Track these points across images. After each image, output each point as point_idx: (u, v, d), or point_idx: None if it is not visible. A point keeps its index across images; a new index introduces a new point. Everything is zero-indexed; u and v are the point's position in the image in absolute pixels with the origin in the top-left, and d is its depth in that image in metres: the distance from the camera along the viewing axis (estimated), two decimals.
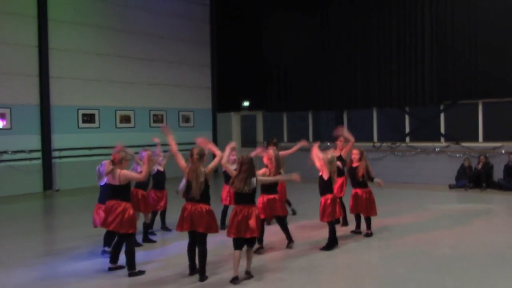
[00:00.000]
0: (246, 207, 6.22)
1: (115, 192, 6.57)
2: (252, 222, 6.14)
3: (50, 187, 15.29)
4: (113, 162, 6.54)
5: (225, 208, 9.23)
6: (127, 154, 6.70)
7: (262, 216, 7.08)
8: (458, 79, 14.63)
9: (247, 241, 6.23)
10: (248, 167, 6.23)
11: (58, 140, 15.50)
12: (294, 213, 10.32)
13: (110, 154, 6.66)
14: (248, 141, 20.24)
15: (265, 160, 7.50)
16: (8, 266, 7.08)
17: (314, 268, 6.69)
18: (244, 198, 6.27)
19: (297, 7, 17.97)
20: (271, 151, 7.75)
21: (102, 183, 7.23)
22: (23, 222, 10.63)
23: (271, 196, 7.49)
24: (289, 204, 10.15)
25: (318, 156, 7.49)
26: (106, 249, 7.34)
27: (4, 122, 14.40)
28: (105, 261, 6.88)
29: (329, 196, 7.49)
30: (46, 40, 15.22)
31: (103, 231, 7.44)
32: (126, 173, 6.52)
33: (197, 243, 6.22)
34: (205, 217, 6.12)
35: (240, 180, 6.19)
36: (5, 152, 14.33)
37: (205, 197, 6.18)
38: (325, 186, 7.51)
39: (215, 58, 20.61)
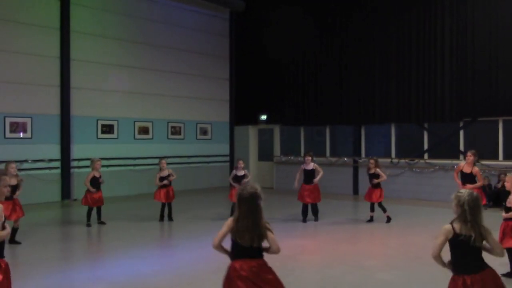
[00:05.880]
0: None
1: None
2: None
3: (68, 197, 15.43)
4: None
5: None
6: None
7: None
8: (478, 95, 14.51)
9: None
10: None
11: (77, 150, 15.68)
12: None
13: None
14: (265, 154, 20.24)
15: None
16: (25, 274, 7.13)
17: None
18: None
19: (316, 22, 18.06)
20: None
21: None
22: (40, 231, 10.72)
23: None
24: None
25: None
26: None
27: (23, 133, 14.64)
28: (121, 270, 6.88)
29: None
30: (68, 51, 15.47)
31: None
32: None
33: None
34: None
35: None
36: (25, 161, 14.53)
37: None
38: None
39: (234, 71, 20.74)
